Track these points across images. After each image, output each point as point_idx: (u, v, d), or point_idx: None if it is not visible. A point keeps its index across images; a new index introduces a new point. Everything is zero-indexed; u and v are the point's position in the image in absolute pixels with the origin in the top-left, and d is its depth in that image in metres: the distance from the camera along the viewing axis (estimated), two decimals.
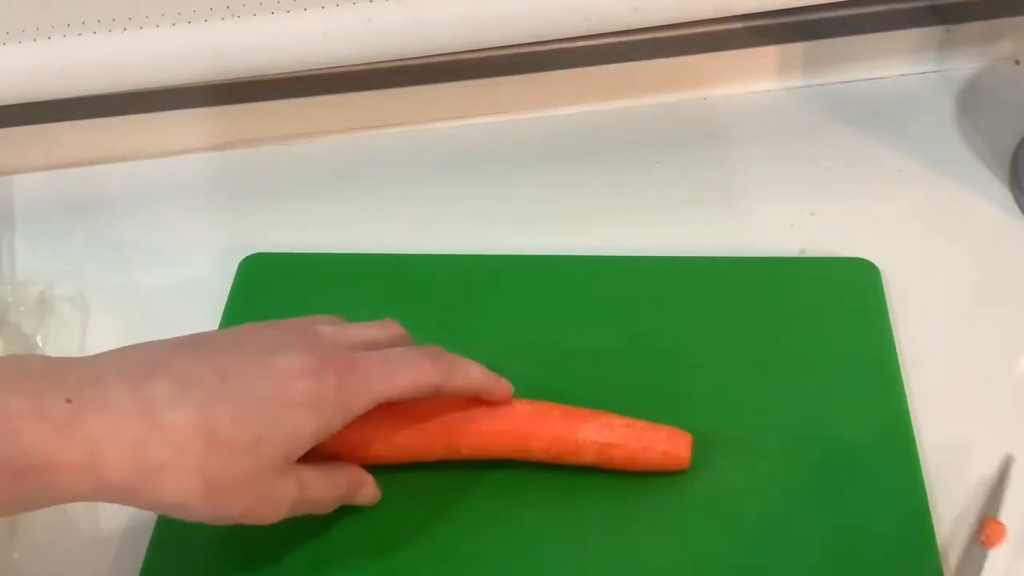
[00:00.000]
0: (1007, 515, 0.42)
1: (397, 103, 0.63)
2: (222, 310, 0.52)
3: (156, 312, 0.55)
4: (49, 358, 0.34)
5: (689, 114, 0.63)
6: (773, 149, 0.60)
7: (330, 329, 0.40)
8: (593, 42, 0.60)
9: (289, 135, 0.64)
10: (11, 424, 0.30)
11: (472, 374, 0.41)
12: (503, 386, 0.42)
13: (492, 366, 0.47)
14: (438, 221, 0.58)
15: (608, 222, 0.56)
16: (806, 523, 0.42)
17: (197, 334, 0.38)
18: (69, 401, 0.32)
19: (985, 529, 0.41)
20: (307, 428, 0.35)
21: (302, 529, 0.43)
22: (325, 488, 0.38)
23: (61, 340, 0.53)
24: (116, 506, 0.45)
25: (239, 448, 0.34)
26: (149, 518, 0.44)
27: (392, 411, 0.41)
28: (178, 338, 0.37)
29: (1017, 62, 0.64)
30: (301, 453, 0.36)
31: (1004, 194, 0.56)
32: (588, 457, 0.42)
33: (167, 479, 0.33)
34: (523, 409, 0.43)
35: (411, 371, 0.38)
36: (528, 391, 0.44)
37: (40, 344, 0.52)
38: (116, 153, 0.64)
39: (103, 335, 0.53)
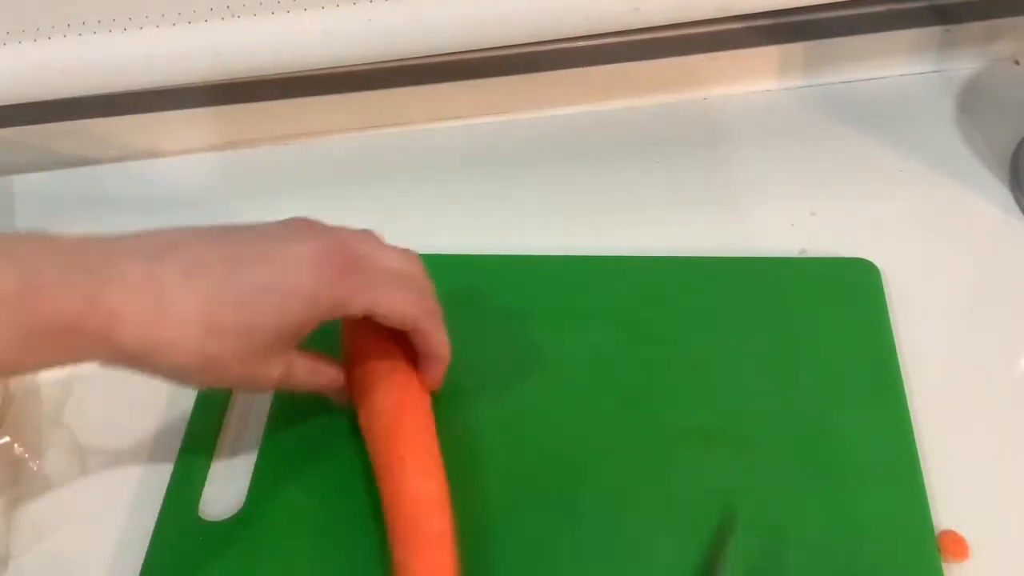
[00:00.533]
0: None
1: (397, 103, 0.63)
2: None
3: None
4: (73, 236, 0.37)
5: (689, 114, 0.63)
6: (773, 149, 0.60)
7: (351, 232, 0.42)
8: (593, 42, 0.60)
9: (289, 135, 0.64)
10: (47, 293, 0.34)
11: (442, 340, 0.43)
12: (438, 376, 0.44)
13: (491, 366, 0.47)
14: (438, 221, 0.58)
15: (608, 222, 0.56)
16: (805, 523, 0.42)
17: (219, 225, 0.40)
18: (88, 272, 0.35)
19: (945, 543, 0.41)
20: (300, 318, 0.38)
21: (301, 530, 0.43)
22: (307, 377, 0.42)
23: None
24: (115, 506, 0.45)
25: (236, 332, 0.37)
26: (149, 518, 0.44)
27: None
28: (198, 227, 0.39)
29: (1017, 62, 0.64)
30: (292, 340, 0.39)
31: (1004, 194, 0.56)
32: None
33: (171, 354, 0.36)
34: (440, 516, 0.40)
35: (406, 299, 0.41)
36: (527, 392, 0.44)
37: None
38: (116, 153, 0.64)
39: None
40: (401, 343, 0.43)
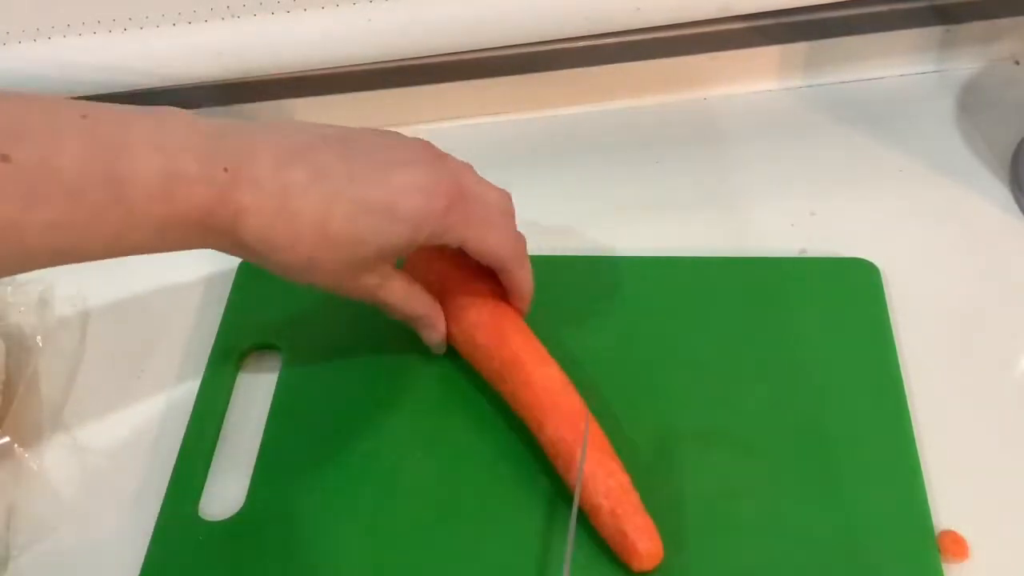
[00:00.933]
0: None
1: (397, 103, 0.63)
2: (221, 310, 0.52)
3: (155, 312, 0.55)
4: (209, 122, 0.39)
5: (689, 114, 0.63)
6: (773, 149, 0.60)
7: (459, 164, 0.44)
8: (593, 42, 0.60)
9: None
10: (187, 186, 0.36)
11: (525, 281, 0.46)
12: (523, 311, 0.47)
13: None
14: None
15: (608, 222, 0.56)
16: (805, 523, 0.42)
17: (344, 129, 0.42)
18: (227, 171, 0.37)
19: (945, 543, 0.41)
20: (401, 240, 0.41)
21: (301, 530, 0.43)
22: (402, 300, 0.44)
23: (61, 340, 0.53)
24: (115, 506, 0.45)
25: (343, 244, 0.40)
26: (149, 518, 0.44)
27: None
28: (326, 127, 0.42)
29: (1017, 62, 0.64)
30: (391, 257, 0.42)
31: (1004, 194, 0.56)
32: (566, 475, 0.42)
33: (281, 254, 0.39)
34: (572, 394, 0.44)
35: (500, 238, 0.43)
36: None
37: (40, 344, 0.52)
38: None
39: (103, 335, 0.54)
40: (485, 276, 0.46)
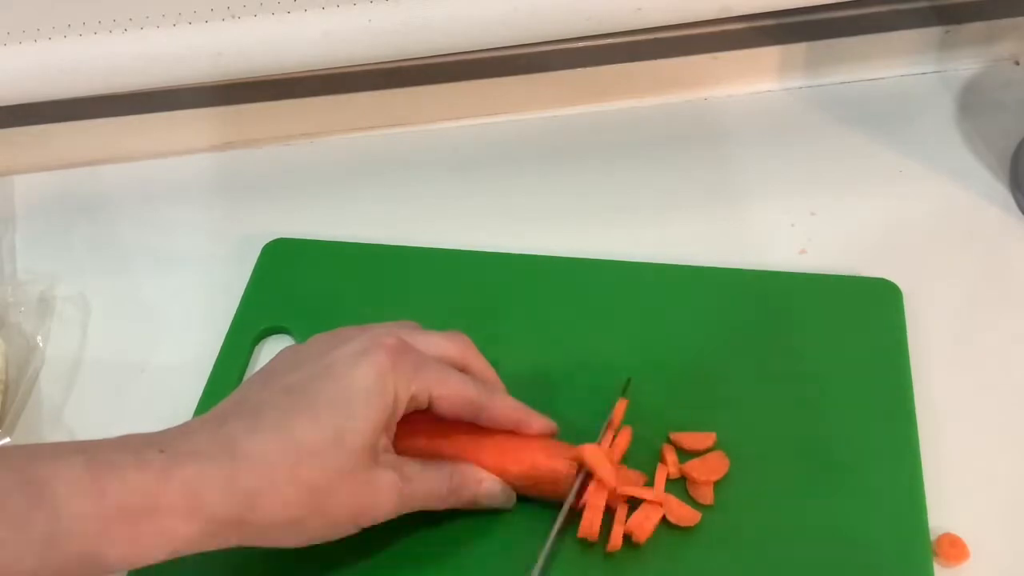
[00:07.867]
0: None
1: (397, 103, 0.63)
2: (221, 309, 0.52)
3: (155, 312, 0.55)
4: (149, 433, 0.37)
5: (689, 114, 0.63)
6: (773, 149, 0.60)
7: (389, 325, 0.41)
8: (593, 42, 0.60)
9: (289, 136, 0.64)
10: (117, 472, 0.34)
11: (509, 404, 0.41)
12: (540, 422, 0.42)
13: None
14: (438, 221, 0.57)
15: (608, 222, 0.56)
16: (806, 537, 0.41)
17: (266, 366, 0.40)
18: (162, 451, 0.35)
19: (944, 546, 0.41)
20: (376, 408, 0.37)
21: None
22: (429, 479, 0.39)
23: (61, 340, 0.53)
24: None
25: (323, 447, 0.36)
26: None
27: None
28: (250, 378, 0.40)
29: (1017, 62, 0.64)
30: (385, 434, 0.38)
31: (1004, 194, 0.56)
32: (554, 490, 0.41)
33: (268, 500, 0.35)
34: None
35: (460, 382, 0.40)
36: (524, 393, 0.43)
37: (40, 344, 0.52)
38: (116, 153, 0.64)
39: (103, 335, 0.54)
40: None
